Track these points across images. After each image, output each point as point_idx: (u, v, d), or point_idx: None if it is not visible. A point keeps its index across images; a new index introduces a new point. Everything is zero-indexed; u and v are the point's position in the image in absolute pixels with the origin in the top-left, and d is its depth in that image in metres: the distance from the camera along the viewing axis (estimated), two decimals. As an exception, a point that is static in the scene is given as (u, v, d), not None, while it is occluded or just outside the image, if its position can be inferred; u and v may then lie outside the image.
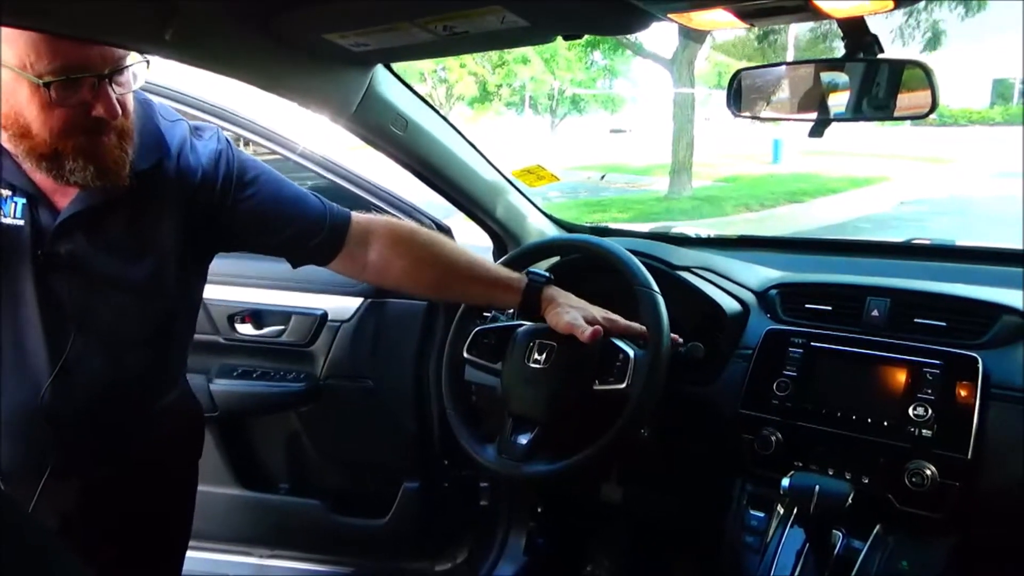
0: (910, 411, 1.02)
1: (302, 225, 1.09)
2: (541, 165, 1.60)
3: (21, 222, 0.92)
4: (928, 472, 0.98)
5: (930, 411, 1.01)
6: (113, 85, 0.89)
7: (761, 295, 1.26)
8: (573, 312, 1.11)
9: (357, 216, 1.14)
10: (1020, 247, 1.41)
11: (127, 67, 0.91)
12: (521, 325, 1.21)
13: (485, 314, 1.34)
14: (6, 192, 0.92)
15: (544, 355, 1.14)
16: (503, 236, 1.54)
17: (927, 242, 1.50)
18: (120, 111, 0.90)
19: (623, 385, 1.10)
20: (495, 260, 1.60)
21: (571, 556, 1.75)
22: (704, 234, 1.69)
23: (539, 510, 1.67)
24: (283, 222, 1.09)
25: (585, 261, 1.30)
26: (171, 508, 1.17)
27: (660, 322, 1.08)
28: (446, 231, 1.54)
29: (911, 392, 1.04)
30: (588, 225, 1.74)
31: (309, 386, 1.63)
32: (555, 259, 1.36)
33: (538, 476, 1.12)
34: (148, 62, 0.93)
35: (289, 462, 1.79)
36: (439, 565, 1.83)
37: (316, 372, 1.64)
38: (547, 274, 1.16)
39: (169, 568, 1.18)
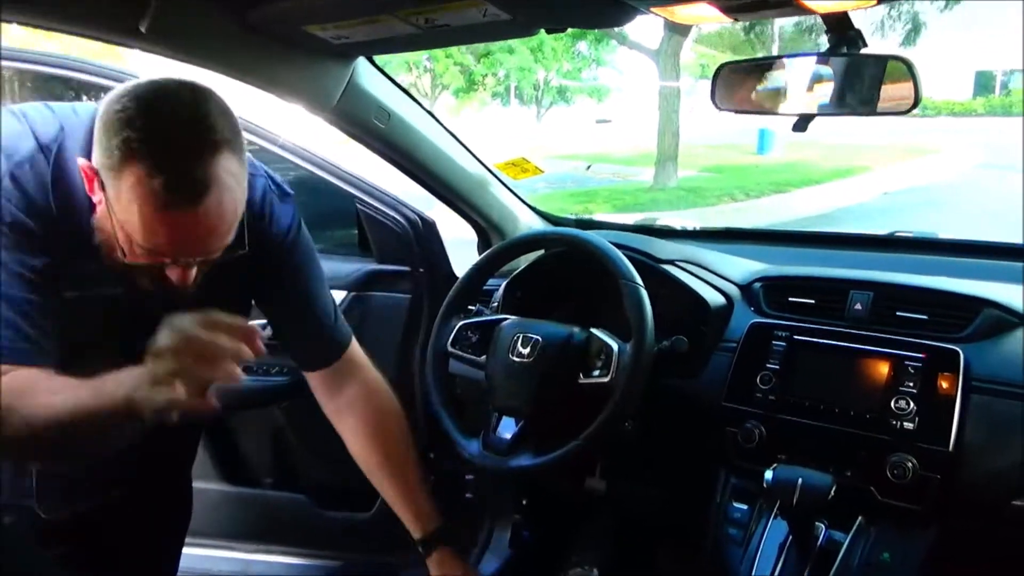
0: (892, 404, 1.03)
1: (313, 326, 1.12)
2: (525, 158, 1.60)
3: None
4: (909, 464, 0.99)
5: (912, 404, 1.02)
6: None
7: (745, 288, 1.27)
8: None
9: (355, 348, 1.17)
10: (1002, 240, 1.42)
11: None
12: (506, 319, 1.21)
13: (470, 307, 1.34)
14: None
15: (528, 349, 1.14)
16: (487, 229, 1.53)
17: (910, 235, 1.51)
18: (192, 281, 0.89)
19: (607, 379, 1.10)
20: (479, 253, 1.60)
21: (556, 548, 1.76)
22: (689, 226, 1.69)
23: (524, 503, 1.67)
24: (302, 313, 1.12)
25: (569, 255, 1.29)
26: (168, 515, 1.21)
27: (644, 316, 1.08)
28: (430, 224, 1.53)
29: (893, 385, 1.04)
30: (573, 217, 1.73)
31: (292, 380, 1.62)
32: (539, 252, 1.35)
33: (522, 470, 1.12)
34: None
35: (273, 457, 1.78)
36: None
37: (300, 366, 1.63)
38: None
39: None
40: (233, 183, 0.83)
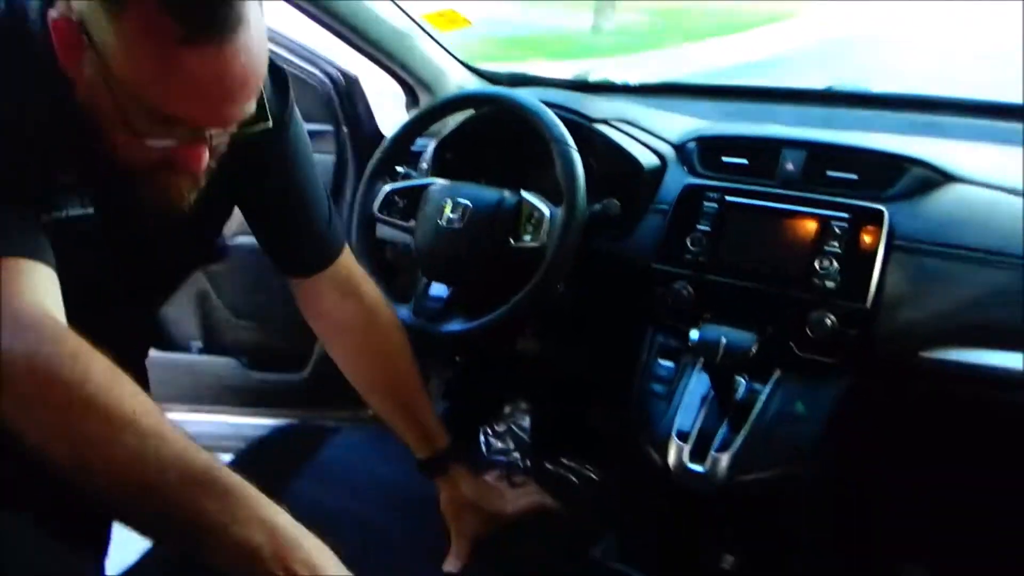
0: (816, 264, 1.05)
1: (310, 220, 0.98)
2: (453, 9, 1.50)
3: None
4: (828, 321, 1.02)
5: (835, 264, 1.04)
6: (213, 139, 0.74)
7: (679, 148, 1.24)
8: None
9: (349, 255, 1.04)
10: (936, 94, 1.41)
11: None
12: (435, 182, 1.17)
13: (397, 169, 1.29)
14: None
15: (458, 214, 1.11)
16: (415, 86, 1.45)
17: (846, 89, 1.49)
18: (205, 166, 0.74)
19: (538, 243, 1.09)
20: (407, 111, 1.52)
21: (489, 402, 1.81)
22: (626, 81, 1.63)
23: (457, 359, 1.70)
24: (292, 212, 0.97)
25: (500, 115, 1.24)
26: None
27: (575, 179, 1.06)
28: (353, 80, 1.45)
29: (818, 245, 1.06)
30: (506, 73, 1.65)
31: (217, 245, 1.57)
32: (470, 112, 1.30)
33: (453, 335, 1.12)
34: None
35: (200, 321, 1.75)
36: (362, 412, 1.86)
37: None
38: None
39: None
40: (259, 26, 0.70)
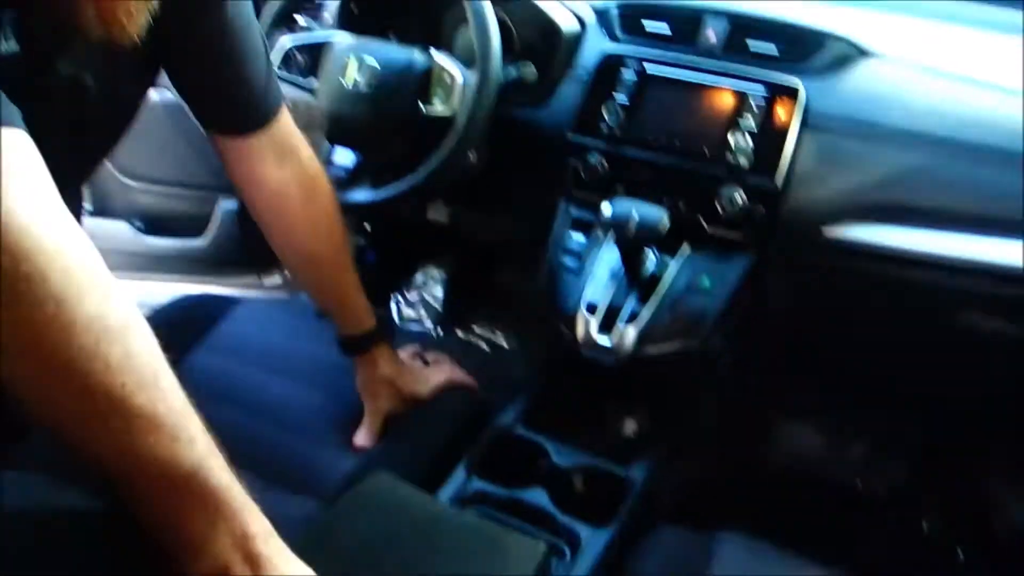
0: (730, 139, 1.04)
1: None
2: None
3: None
4: (739, 198, 1.03)
5: (748, 139, 1.03)
6: None
7: (601, 12, 1.18)
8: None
9: (287, 115, 0.93)
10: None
11: None
12: (337, 38, 1.08)
13: (296, 16, 1.18)
14: None
15: (364, 75, 1.03)
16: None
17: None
18: None
19: (449, 109, 1.04)
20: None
21: (401, 268, 1.79)
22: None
23: (366, 227, 1.66)
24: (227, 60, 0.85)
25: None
26: None
27: (490, 42, 1.00)
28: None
29: (734, 120, 1.05)
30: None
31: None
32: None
33: (360, 204, 1.07)
34: None
35: (90, 186, 1.63)
36: (267, 279, 1.82)
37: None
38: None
39: None
40: None
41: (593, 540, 0.90)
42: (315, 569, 0.60)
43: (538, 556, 0.72)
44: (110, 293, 0.53)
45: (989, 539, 1.30)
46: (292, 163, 0.95)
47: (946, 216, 0.98)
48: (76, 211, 0.99)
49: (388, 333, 1.05)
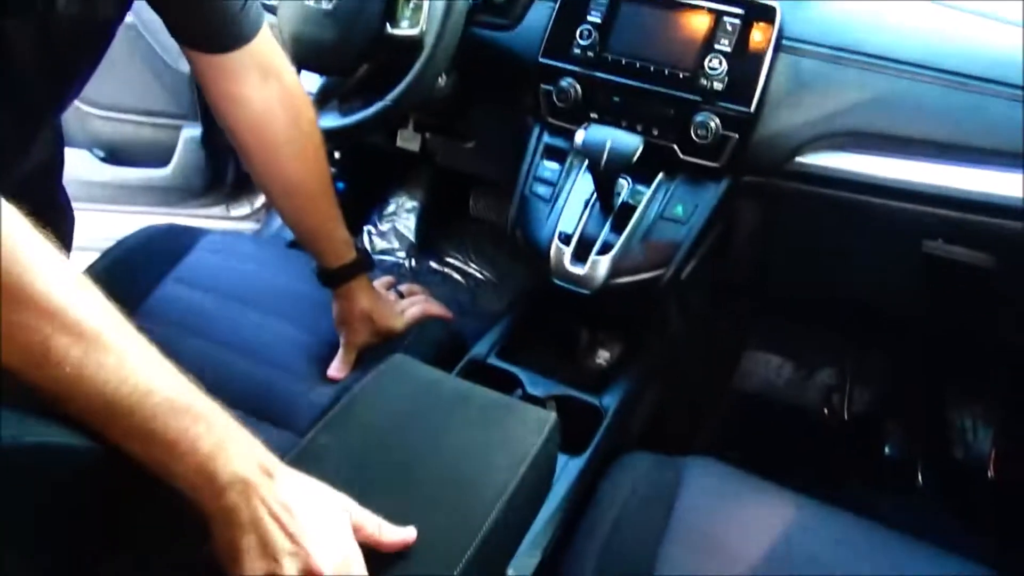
0: (705, 63, 1.02)
1: None
2: None
3: None
4: (713, 124, 1.02)
5: (724, 63, 1.01)
6: None
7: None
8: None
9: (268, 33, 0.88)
10: None
11: None
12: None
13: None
14: None
15: (327, -7, 0.99)
16: None
17: None
18: None
19: (417, 31, 1.00)
20: None
21: (372, 198, 1.77)
22: None
23: (336, 155, 1.62)
24: None
25: None
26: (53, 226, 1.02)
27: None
28: None
29: (709, 43, 1.03)
30: None
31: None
32: None
33: (328, 131, 1.04)
34: None
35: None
36: (234, 209, 1.79)
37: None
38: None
39: None
40: None
41: (567, 468, 0.91)
42: (341, 444, 0.68)
43: (550, 422, 0.75)
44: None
45: (947, 464, 1.35)
46: (275, 84, 0.91)
47: (916, 144, 0.98)
48: (57, 145, 0.96)
49: (368, 266, 1.04)
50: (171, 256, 1.13)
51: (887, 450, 1.37)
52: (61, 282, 0.51)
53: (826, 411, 1.44)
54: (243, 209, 1.78)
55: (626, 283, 1.02)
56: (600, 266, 1.02)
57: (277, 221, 1.68)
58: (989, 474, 1.33)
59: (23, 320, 0.49)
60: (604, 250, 1.03)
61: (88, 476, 0.54)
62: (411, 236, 1.73)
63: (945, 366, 1.45)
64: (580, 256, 1.03)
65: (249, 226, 1.76)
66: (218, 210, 1.75)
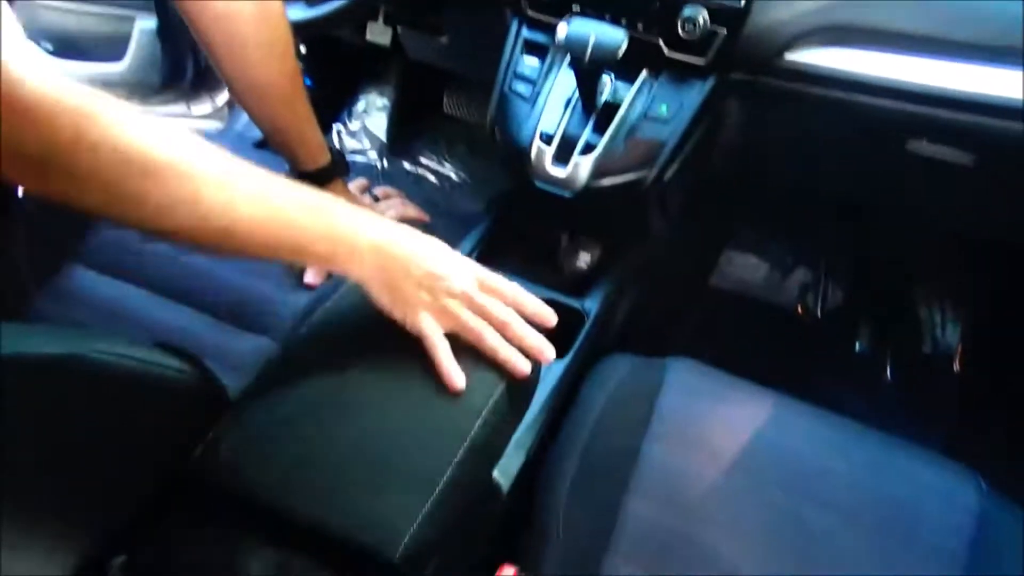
0: (694, -52, 0.97)
1: None
2: None
3: None
4: (701, 18, 0.97)
5: (714, -52, 0.96)
6: None
7: None
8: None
9: None
10: None
11: None
12: None
13: None
14: None
15: None
16: None
17: None
18: None
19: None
20: None
21: (341, 95, 1.70)
22: None
23: (302, 50, 1.55)
24: None
25: None
26: None
27: None
28: None
29: (699, -70, 0.97)
30: None
31: None
32: None
33: (296, 23, 0.98)
34: None
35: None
36: (196, 107, 1.71)
37: None
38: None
39: None
40: None
41: (550, 371, 0.92)
42: (320, 353, 0.72)
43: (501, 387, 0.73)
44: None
45: (915, 359, 1.38)
46: None
47: (909, 39, 0.95)
48: None
49: (344, 169, 1.00)
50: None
51: (858, 346, 1.40)
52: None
53: (800, 309, 1.46)
54: (205, 107, 1.70)
55: (609, 185, 1.00)
56: (582, 167, 0.99)
57: (242, 119, 1.61)
58: (955, 367, 1.37)
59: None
60: (586, 150, 1.00)
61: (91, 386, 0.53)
62: (382, 136, 1.67)
63: (916, 264, 1.47)
64: (562, 157, 1.01)
65: (213, 125, 1.69)
66: (178, 108, 1.67)
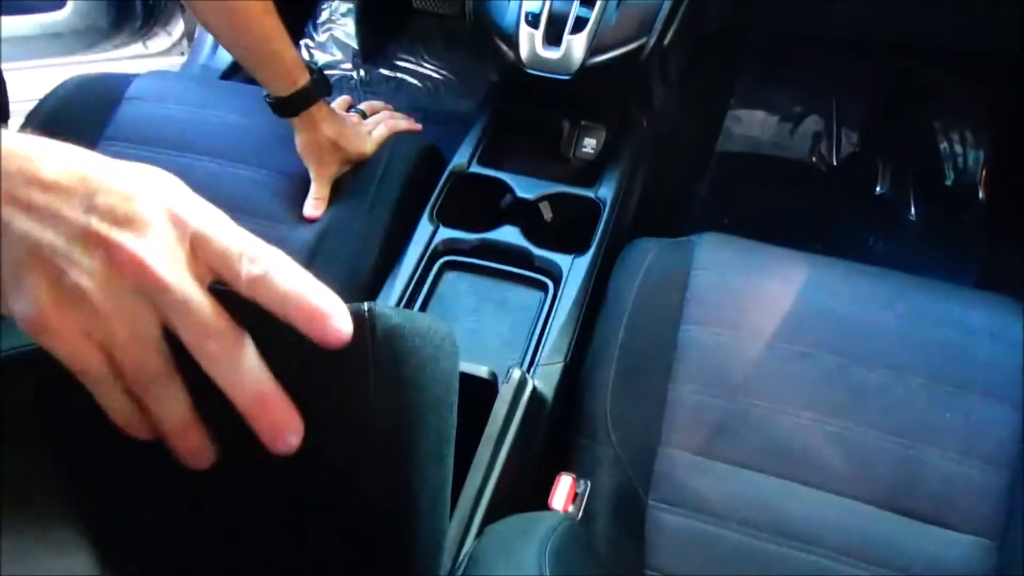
0: None
1: None
2: None
3: None
4: None
5: None
6: None
7: None
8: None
9: None
10: None
11: None
12: None
13: None
14: None
15: None
16: None
17: None
18: None
19: None
20: None
21: (301, 6, 1.59)
22: None
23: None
24: None
25: None
26: None
27: None
28: None
29: None
30: None
31: None
32: None
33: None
34: None
35: None
36: (153, 44, 1.61)
37: None
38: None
39: None
40: None
41: (575, 268, 0.88)
42: None
43: None
44: None
45: (938, 194, 1.34)
46: None
47: None
48: None
49: (326, 88, 0.93)
50: (98, 114, 1.01)
51: (878, 189, 1.36)
52: None
53: (814, 159, 1.41)
54: (162, 42, 1.60)
55: (607, 60, 0.93)
56: (576, 46, 0.92)
57: (204, 49, 1.51)
58: (980, 196, 1.33)
59: None
60: (577, 27, 0.93)
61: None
62: (353, 43, 1.58)
63: (930, 95, 1.40)
64: (552, 38, 0.93)
65: (174, 60, 1.59)
66: (134, 48, 1.58)
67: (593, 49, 0.92)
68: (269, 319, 0.34)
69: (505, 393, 0.69)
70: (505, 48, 0.95)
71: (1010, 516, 0.74)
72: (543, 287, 0.88)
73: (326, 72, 1.54)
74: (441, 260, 0.90)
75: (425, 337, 0.40)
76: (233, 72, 1.40)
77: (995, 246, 1.26)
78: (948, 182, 1.35)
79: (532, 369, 0.81)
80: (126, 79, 1.06)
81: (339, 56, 1.57)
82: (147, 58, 1.58)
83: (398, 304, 0.85)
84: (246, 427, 0.35)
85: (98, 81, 1.05)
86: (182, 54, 1.59)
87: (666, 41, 0.96)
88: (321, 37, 1.58)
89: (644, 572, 0.75)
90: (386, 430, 0.40)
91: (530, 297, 0.87)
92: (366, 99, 1.09)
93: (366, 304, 0.37)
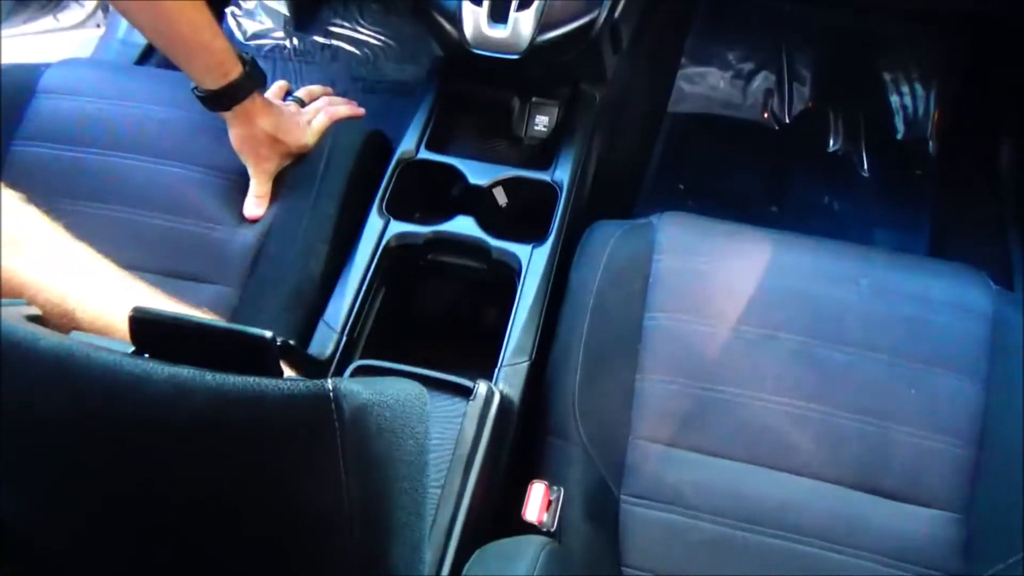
0: None
1: None
2: None
3: None
4: None
5: None
6: None
7: None
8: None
9: None
10: None
11: None
12: None
13: None
14: None
15: None
16: None
17: None
18: None
19: None
20: None
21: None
22: None
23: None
24: None
25: None
26: None
27: None
28: None
29: None
30: None
31: None
32: None
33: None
34: None
35: None
36: (64, 16, 1.50)
37: None
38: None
39: None
40: None
41: (534, 259, 0.85)
42: None
43: None
44: None
45: (890, 148, 1.33)
46: None
47: None
48: None
49: (260, 78, 0.87)
50: (11, 110, 0.93)
51: (831, 145, 1.35)
52: None
53: (766, 115, 1.39)
54: (75, 14, 1.49)
55: (557, 36, 0.89)
56: (523, 23, 0.88)
57: (121, 22, 1.41)
58: (931, 149, 1.33)
59: None
60: (524, 3, 0.88)
61: None
62: (283, 9, 1.48)
63: (881, 49, 1.38)
64: (498, 15, 0.88)
65: (90, 33, 1.48)
66: (44, 22, 1.46)
67: (542, 26, 0.88)
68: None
69: (472, 411, 0.66)
70: (448, 26, 0.90)
71: (975, 489, 0.75)
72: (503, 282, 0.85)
73: (255, 42, 1.47)
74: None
75: (394, 408, 0.38)
76: (153, 49, 1.31)
77: (946, 199, 1.26)
78: (899, 136, 1.34)
79: (497, 371, 0.78)
80: (35, 70, 0.97)
81: (269, 24, 1.48)
82: (59, 32, 1.47)
83: (349, 313, 0.81)
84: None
85: (5, 74, 0.97)
86: (98, 26, 1.48)
87: (617, 12, 0.91)
88: (248, 4, 1.48)
89: (621, 570, 0.74)
90: (360, 505, 0.38)
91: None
92: (300, 70, 1.03)
93: (330, 382, 0.34)
